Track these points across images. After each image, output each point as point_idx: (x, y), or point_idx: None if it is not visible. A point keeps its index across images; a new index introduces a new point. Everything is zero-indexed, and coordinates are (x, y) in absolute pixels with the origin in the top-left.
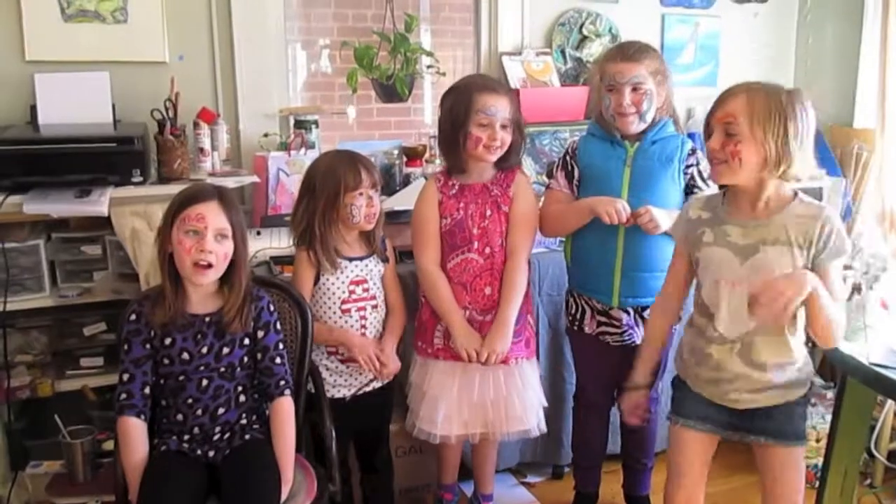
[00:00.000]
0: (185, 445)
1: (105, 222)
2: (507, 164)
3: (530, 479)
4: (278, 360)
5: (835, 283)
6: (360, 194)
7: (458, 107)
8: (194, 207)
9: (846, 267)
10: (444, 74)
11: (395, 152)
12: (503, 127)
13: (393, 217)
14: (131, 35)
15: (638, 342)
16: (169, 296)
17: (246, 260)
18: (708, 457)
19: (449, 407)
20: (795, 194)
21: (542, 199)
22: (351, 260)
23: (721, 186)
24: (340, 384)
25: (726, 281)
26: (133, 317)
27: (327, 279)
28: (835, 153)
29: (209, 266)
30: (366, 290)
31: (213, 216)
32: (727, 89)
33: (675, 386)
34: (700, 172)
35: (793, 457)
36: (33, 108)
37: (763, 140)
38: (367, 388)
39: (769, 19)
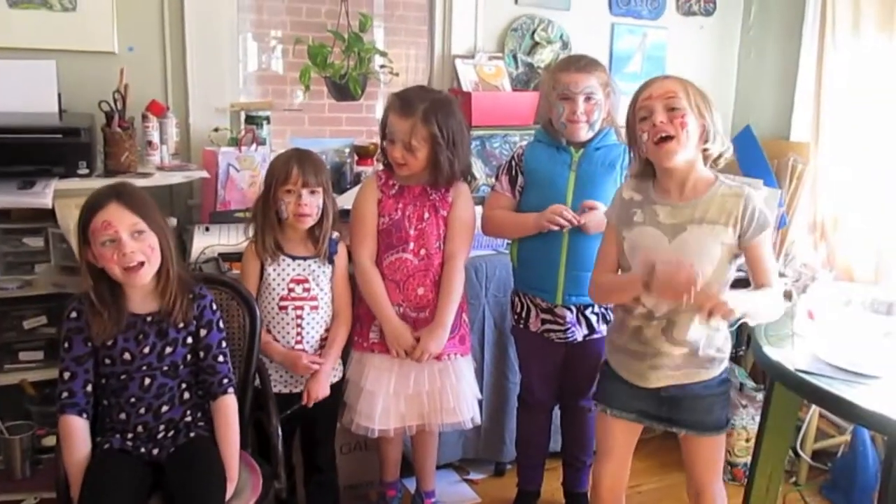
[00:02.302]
0: (129, 444)
1: (48, 214)
2: (437, 181)
3: (473, 475)
4: (221, 359)
5: (766, 256)
6: (289, 191)
7: (382, 121)
8: (97, 217)
9: (780, 274)
10: (397, 74)
11: (347, 150)
12: (403, 146)
13: (343, 216)
14: (80, 23)
15: (580, 339)
16: (102, 310)
17: (170, 248)
18: (632, 440)
19: (386, 401)
20: (716, 178)
21: (486, 199)
22: (294, 258)
23: (648, 169)
24: (287, 380)
25: (655, 259)
26: (74, 314)
27: (269, 274)
28: (772, 165)
29: (141, 265)
30: (306, 290)
31: (118, 218)
32: (648, 80)
33: (601, 373)
34: None
35: (712, 443)
36: None
37: (700, 114)
38: None
39: (714, 33)
